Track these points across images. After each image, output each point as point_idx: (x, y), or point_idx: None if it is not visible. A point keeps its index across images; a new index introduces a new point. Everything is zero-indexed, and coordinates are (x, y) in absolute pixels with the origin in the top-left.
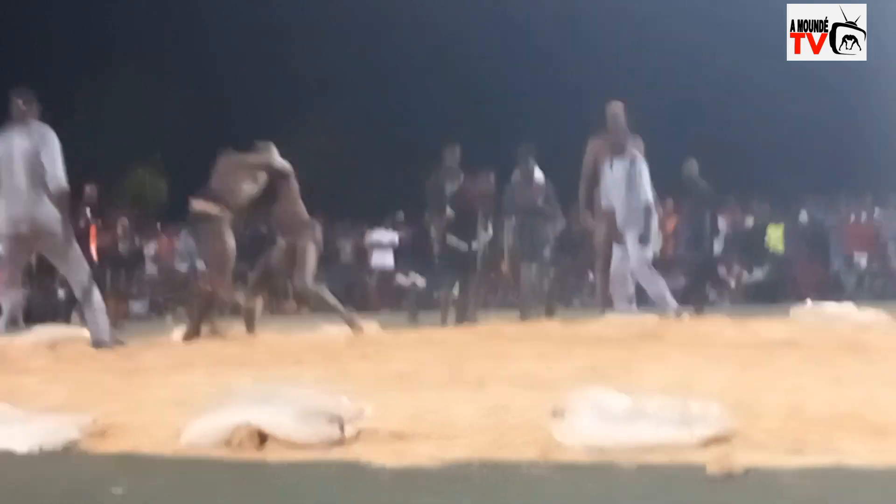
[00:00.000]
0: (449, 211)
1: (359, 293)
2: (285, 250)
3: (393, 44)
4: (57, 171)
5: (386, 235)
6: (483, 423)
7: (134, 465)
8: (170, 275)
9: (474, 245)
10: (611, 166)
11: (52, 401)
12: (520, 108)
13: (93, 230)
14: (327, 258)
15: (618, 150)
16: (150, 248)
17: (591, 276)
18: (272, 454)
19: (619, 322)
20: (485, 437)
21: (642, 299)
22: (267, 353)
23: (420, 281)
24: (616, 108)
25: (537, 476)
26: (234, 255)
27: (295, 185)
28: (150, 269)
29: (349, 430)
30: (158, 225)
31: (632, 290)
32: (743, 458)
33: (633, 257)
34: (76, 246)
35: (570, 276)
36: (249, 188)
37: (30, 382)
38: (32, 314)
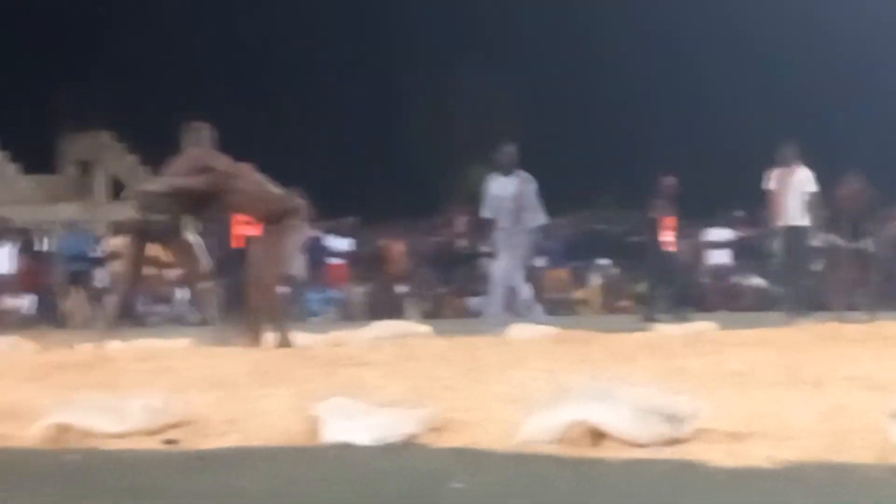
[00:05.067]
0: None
1: (695, 292)
2: None
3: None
4: None
5: (722, 234)
6: (820, 424)
7: (471, 460)
8: None
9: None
10: None
11: (391, 395)
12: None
13: (671, 221)
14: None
15: None
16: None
17: None
18: (607, 452)
19: None
20: (821, 439)
21: None
22: (602, 350)
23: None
24: None
25: (875, 479)
26: None
27: None
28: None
29: (685, 430)
30: None
31: None
32: None
33: None
34: None
35: None
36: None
37: (370, 376)
38: (373, 309)
